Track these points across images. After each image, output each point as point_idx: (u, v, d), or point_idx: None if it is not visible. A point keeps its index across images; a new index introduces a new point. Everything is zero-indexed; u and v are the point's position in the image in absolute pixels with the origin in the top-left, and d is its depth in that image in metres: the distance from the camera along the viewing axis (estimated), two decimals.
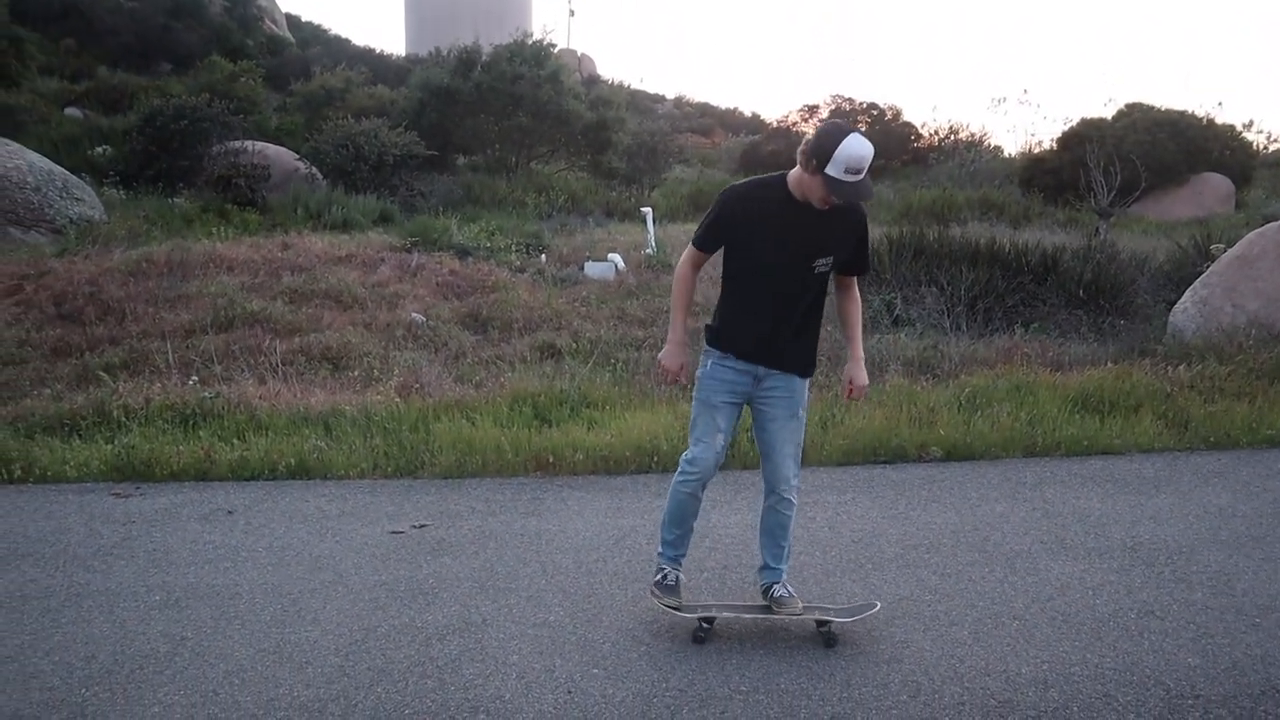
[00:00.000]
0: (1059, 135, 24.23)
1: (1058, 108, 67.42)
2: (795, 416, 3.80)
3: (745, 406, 3.89)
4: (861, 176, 3.42)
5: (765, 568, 3.94)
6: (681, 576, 3.96)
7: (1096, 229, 15.62)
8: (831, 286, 3.90)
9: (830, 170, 3.39)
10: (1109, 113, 24.37)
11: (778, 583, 3.89)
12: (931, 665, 3.57)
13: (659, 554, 3.99)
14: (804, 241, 3.62)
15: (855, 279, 3.94)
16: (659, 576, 3.92)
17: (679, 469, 3.85)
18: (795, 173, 3.61)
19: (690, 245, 3.84)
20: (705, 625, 3.81)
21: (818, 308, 3.81)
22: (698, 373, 3.87)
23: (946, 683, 3.44)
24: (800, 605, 3.84)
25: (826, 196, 3.48)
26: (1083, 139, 20.96)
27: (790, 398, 3.78)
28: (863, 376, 3.93)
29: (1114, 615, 3.99)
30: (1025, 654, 3.65)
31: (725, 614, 3.88)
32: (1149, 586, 4.29)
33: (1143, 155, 19.28)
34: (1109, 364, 8.18)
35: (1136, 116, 22.88)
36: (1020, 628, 3.88)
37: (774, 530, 3.89)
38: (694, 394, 3.86)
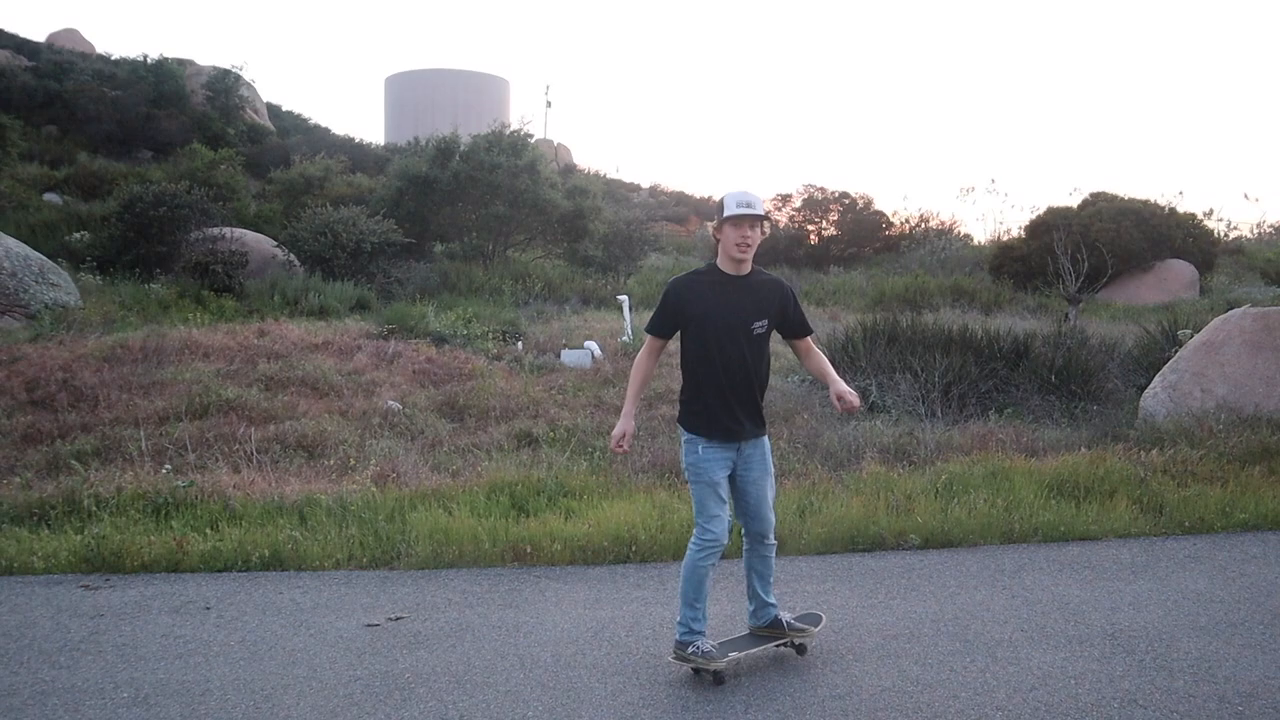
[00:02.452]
0: (1027, 223, 24.75)
1: (1025, 196, 68.85)
2: (768, 473, 4.40)
3: None
4: (752, 208, 4.15)
5: (766, 605, 4.50)
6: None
7: (1066, 315, 15.88)
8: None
9: (727, 213, 4.15)
10: (1074, 201, 24.98)
11: (782, 611, 4.57)
12: None
13: (689, 631, 4.27)
14: (738, 307, 4.25)
15: (809, 340, 4.61)
16: (692, 650, 4.21)
17: (696, 547, 4.26)
18: (719, 252, 4.32)
19: (647, 335, 4.51)
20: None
21: (762, 377, 4.38)
22: (688, 460, 4.33)
23: None
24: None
25: (738, 235, 4.17)
26: (1050, 227, 21.41)
27: (764, 458, 4.40)
28: (846, 387, 4.37)
29: (1097, 705, 3.97)
30: None
31: (752, 651, 4.46)
32: (1131, 675, 4.28)
33: (1108, 243, 19.72)
34: (1083, 449, 8.25)
35: (1101, 205, 23.44)
36: (1004, 718, 3.85)
37: (764, 572, 4.49)
38: (690, 479, 4.33)
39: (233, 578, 5.87)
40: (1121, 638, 4.72)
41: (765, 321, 4.30)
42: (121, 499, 6.94)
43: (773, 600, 4.54)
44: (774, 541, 4.51)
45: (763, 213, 4.20)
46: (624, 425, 4.42)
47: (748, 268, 4.30)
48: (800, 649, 4.53)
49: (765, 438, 4.42)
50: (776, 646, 4.52)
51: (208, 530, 6.44)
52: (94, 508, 6.81)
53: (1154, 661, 4.42)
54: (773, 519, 4.45)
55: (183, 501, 6.96)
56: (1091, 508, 6.88)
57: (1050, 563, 6.01)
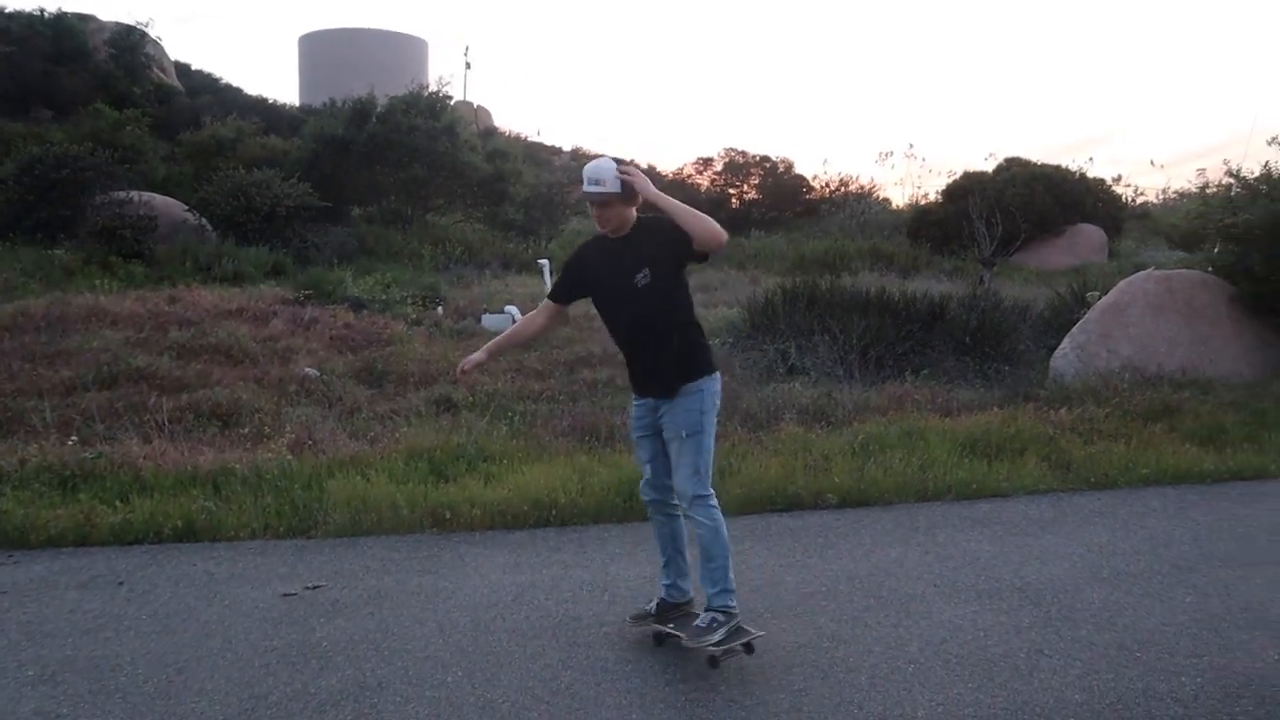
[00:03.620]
0: (944, 188, 25.21)
1: (942, 161, 70.12)
2: (681, 438, 4.05)
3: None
4: (600, 185, 3.97)
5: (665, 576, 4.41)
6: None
7: (980, 278, 16.25)
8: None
9: (584, 189, 4.04)
10: (989, 166, 25.47)
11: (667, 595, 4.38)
12: (830, 712, 3.61)
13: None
14: (619, 267, 4.08)
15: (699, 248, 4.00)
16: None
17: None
18: None
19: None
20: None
21: (666, 329, 4.09)
22: None
23: None
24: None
25: (594, 212, 4.09)
26: (966, 192, 21.84)
27: (674, 421, 4.07)
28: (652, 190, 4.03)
29: (1005, 655, 4.10)
30: (920, 698, 3.72)
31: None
32: (1038, 626, 4.42)
33: (1022, 207, 20.19)
34: (995, 409, 8.47)
35: (1015, 170, 23.95)
36: (916, 671, 3.95)
37: (666, 537, 4.38)
38: None
39: (144, 550, 5.73)
40: (1029, 590, 4.87)
41: (646, 270, 4.00)
42: (25, 472, 6.71)
43: (666, 579, 4.37)
44: (692, 515, 4.09)
45: (611, 190, 3.96)
46: (476, 356, 4.47)
47: (626, 229, 4.09)
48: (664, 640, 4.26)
49: (689, 396, 4.05)
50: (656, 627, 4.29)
51: (117, 502, 6.26)
52: None
53: (1060, 612, 4.57)
54: (684, 489, 4.06)
55: (91, 473, 6.76)
56: (1003, 465, 7.07)
57: (962, 519, 6.17)
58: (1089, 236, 22.83)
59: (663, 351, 4.07)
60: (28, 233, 17.53)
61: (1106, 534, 5.83)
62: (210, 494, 6.42)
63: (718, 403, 4.15)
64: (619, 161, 4.04)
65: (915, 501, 6.59)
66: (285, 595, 4.91)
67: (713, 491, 4.10)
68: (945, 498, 6.64)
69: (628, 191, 3.98)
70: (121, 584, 5.11)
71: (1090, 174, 25.08)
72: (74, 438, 7.63)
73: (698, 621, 4.08)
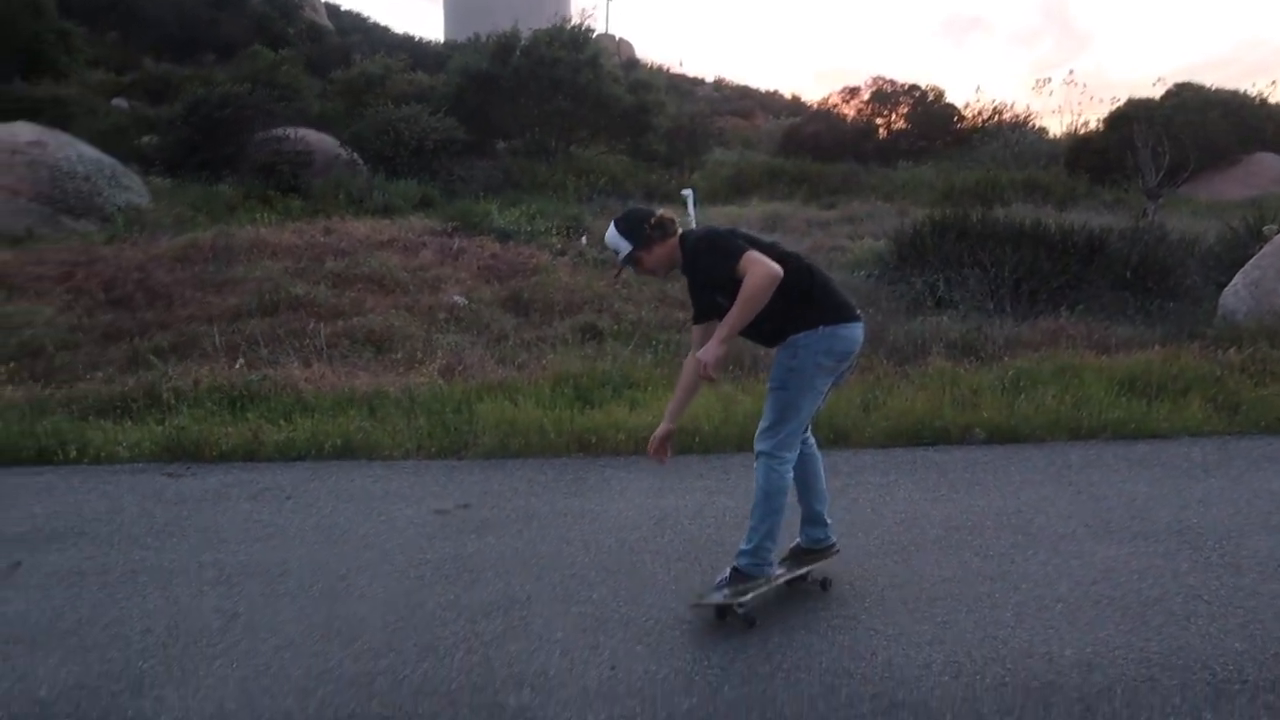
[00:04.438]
0: (1106, 116, 23.91)
1: (1104, 88, 66.07)
2: (769, 390, 3.89)
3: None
4: (619, 252, 3.93)
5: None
6: None
7: (1144, 210, 15.38)
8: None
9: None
10: (1158, 93, 24.00)
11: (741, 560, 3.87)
12: (974, 647, 3.56)
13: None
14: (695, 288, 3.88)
15: (750, 271, 3.60)
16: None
17: None
18: None
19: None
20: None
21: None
22: None
23: (989, 664, 3.43)
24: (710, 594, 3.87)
25: (639, 272, 4.07)
26: (1130, 119, 20.64)
27: (771, 372, 3.91)
28: (706, 354, 3.69)
29: (1160, 599, 3.95)
30: (1069, 637, 3.63)
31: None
32: (1196, 571, 4.23)
33: (1192, 135, 18.98)
34: (1157, 347, 8.07)
35: (1186, 96, 22.53)
36: (1064, 610, 3.86)
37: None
38: None
39: (306, 466, 6.05)
40: (1188, 535, 4.66)
41: (716, 295, 3.75)
42: (199, 392, 7.16)
43: (753, 524, 3.85)
44: (757, 465, 3.86)
45: (627, 250, 3.85)
46: (660, 432, 4.08)
47: (680, 263, 3.89)
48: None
49: (782, 349, 3.84)
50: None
51: (281, 421, 6.63)
52: (173, 401, 7.03)
53: (1221, 559, 4.37)
54: (757, 436, 3.87)
55: (257, 394, 7.16)
56: (1163, 406, 6.75)
57: (1118, 460, 5.93)
58: (1268, 166, 21.34)
59: (760, 325, 3.71)
60: (194, 170, 18.45)
61: (1277, 480, 5.51)
62: (366, 415, 6.72)
63: (822, 360, 3.77)
64: (627, 220, 3.91)
65: (1068, 440, 6.36)
66: (438, 512, 5.12)
67: (783, 454, 3.80)
68: (1100, 437, 6.39)
69: (641, 238, 3.82)
70: (289, 498, 5.41)
71: (1272, 99, 23.35)
72: (241, 361, 8.08)
73: (717, 580, 3.90)
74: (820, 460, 4.17)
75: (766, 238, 3.96)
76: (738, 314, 3.61)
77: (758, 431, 3.88)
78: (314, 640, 3.68)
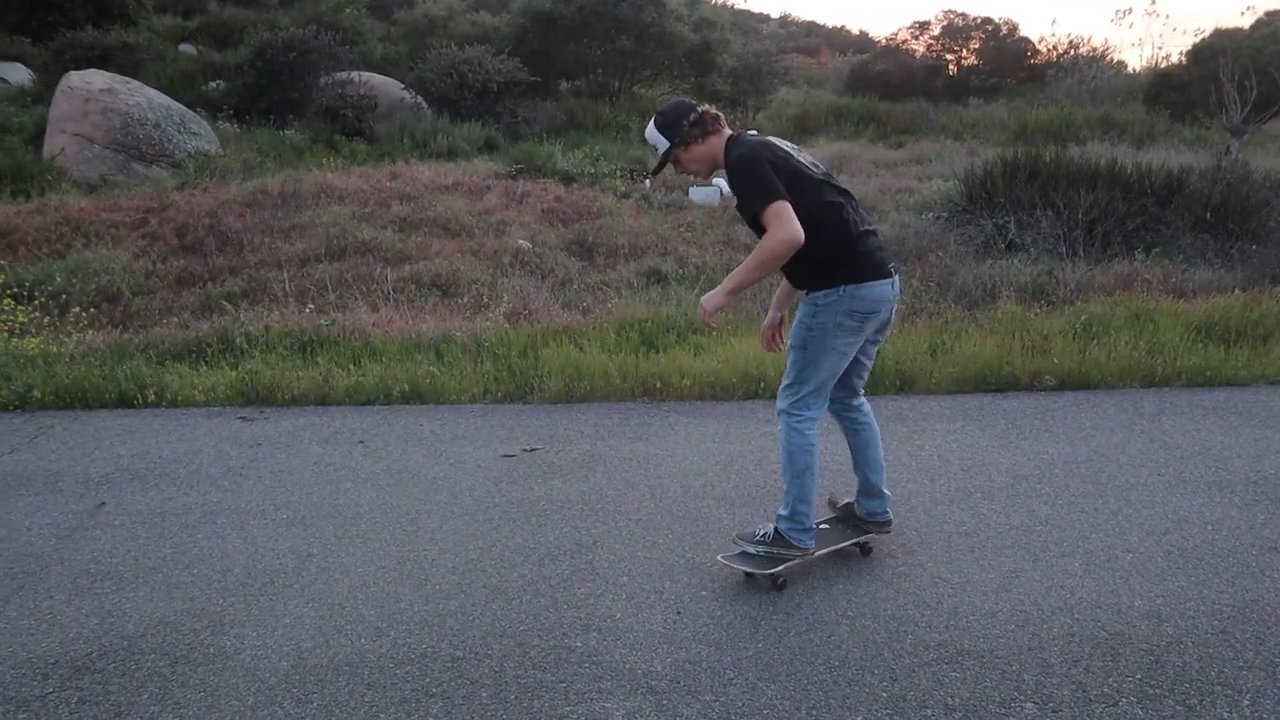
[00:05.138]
0: (1189, 48, 23.08)
1: (1189, 19, 63.32)
2: (790, 347, 3.69)
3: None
4: (657, 147, 3.71)
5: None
6: None
7: (1227, 148, 14.84)
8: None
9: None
10: (1246, 22, 23.05)
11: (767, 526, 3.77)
12: (1041, 596, 3.53)
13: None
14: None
15: (770, 229, 3.37)
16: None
17: None
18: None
19: None
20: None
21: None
22: None
23: (1056, 614, 3.40)
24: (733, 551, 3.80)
25: (679, 170, 3.83)
26: (1215, 52, 19.84)
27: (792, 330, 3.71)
28: (707, 300, 3.63)
29: (1234, 551, 3.88)
30: (1139, 588, 3.58)
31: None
32: (1274, 523, 4.14)
33: None
34: (1237, 291, 7.84)
35: (1278, 25, 21.54)
36: (1134, 561, 3.81)
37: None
38: None
39: (375, 410, 6.16)
40: (1266, 485, 4.56)
41: (739, 208, 3.59)
42: (270, 337, 7.31)
43: (785, 486, 3.71)
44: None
45: (665, 146, 3.65)
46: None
47: (721, 164, 3.65)
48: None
49: (803, 305, 3.65)
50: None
51: (350, 366, 6.75)
52: (245, 345, 7.20)
53: None
54: (778, 394, 3.74)
55: (326, 339, 7.29)
56: (1242, 352, 6.56)
57: (1193, 408, 5.80)
58: None
59: (791, 263, 3.45)
60: (262, 115, 18.66)
61: None
62: (433, 359, 6.81)
63: (843, 320, 3.53)
64: (667, 114, 3.68)
65: (1141, 387, 6.24)
66: (505, 456, 5.19)
67: (802, 413, 3.62)
68: (1175, 384, 6.25)
69: (678, 132, 3.62)
70: (361, 442, 5.52)
71: None
72: (310, 306, 8.23)
73: (757, 529, 3.78)
74: (875, 430, 3.94)
75: (819, 168, 3.64)
76: (746, 272, 3.46)
77: (780, 388, 3.73)
78: (386, 581, 3.78)
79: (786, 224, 3.31)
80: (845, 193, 3.65)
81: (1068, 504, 4.39)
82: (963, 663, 3.12)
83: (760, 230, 3.41)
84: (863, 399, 3.92)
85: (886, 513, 3.96)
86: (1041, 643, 3.22)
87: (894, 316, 3.77)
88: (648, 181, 13.99)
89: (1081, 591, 3.56)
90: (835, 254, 3.52)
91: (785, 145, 3.63)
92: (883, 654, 3.18)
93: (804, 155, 3.68)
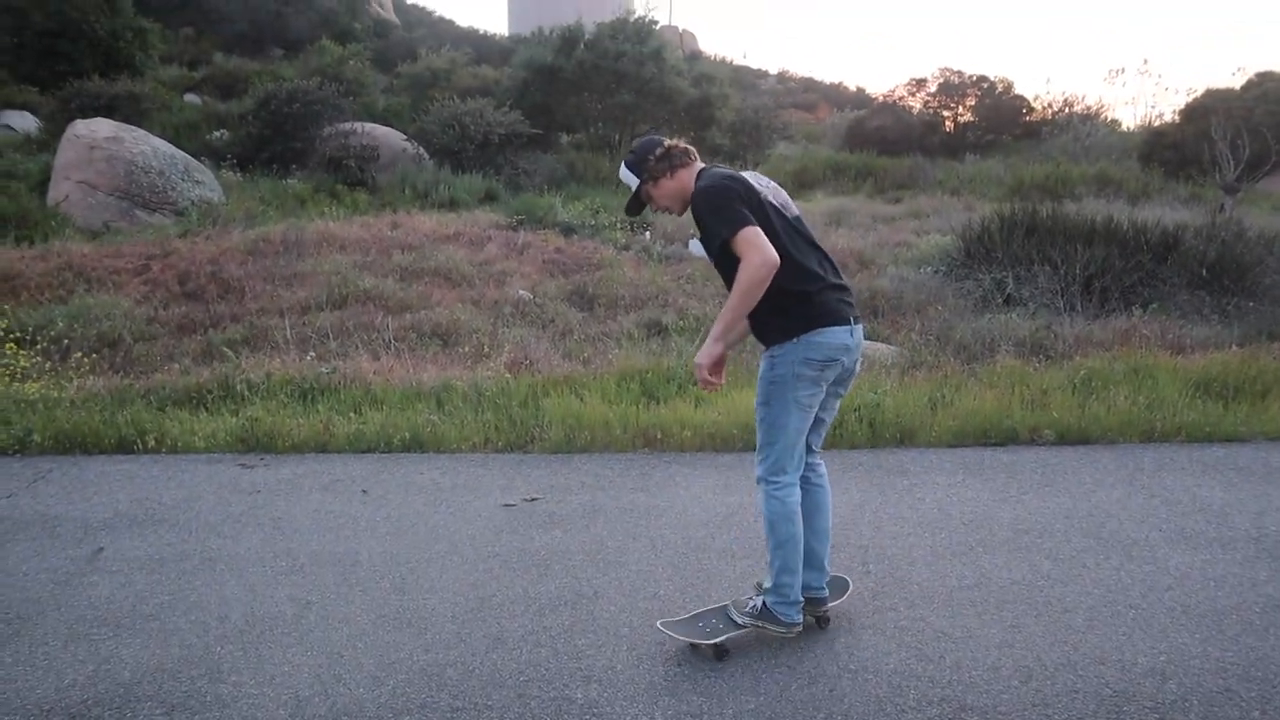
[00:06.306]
0: (1182, 107, 23.41)
1: (1181, 78, 64.26)
2: (756, 406, 3.56)
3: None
4: (630, 184, 3.69)
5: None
6: None
7: (1221, 205, 14.99)
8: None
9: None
10: (1237, 83, 23.39)
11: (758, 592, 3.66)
12: (1044, 651, 3.52)
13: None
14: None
15: (745, 257, 3.22)
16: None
17: None
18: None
19: None
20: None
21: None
22: None
23: (1060, 670, 3.39)
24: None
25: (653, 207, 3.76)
26: (1208, 111, 20.14)
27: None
28: (700, 355, 3.49)
29: (1237, 608, 3.87)
30: (1142, 644, 3.57)
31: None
32: (1275, 580, 4.13)
33: (1274, 127, 18.40)
34: (1234, 347, 7.88)
35: (1268, 86, 21.90)
36: (1137, 617, 3.79)
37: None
38: None
39: (376, 458, 6.15)
40: (1267, 542, 4.55)
41: (702, 244, 3.46)
42: (271, 384, 7.32)
43: (769, 558, 3.55)
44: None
45: (634, 182, 3.63)
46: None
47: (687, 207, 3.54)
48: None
49: (763, 360, 3.51)
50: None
51: (351, 414, 6.75)
52: (246, 392, 7.21)
53: None
54: (758, 448, 3.56)
55: (327, 387, 7.30)
56: (1241, 408, 6.59)
57: (1193, 463, 5.81)
58: None
59: (754, 314, 3.37)
60: (265, 164, 18.83)
61: None
62: (434, 408, 6.82)
63: (801, 370, 3.38)
64: (635, 152, 3.65)
65: (1140, 442, 6.24)
66: (505, 505, 5.18)
67: (778, 479, 3.48)
68: (1174, 439, 6.26)
69: (645, 169, 3.57)
70: (364, 491, 5.50)
71: None
72: (311, 353, 8.24)
73: (752, 600, 3.61)
74: (828, 495, 3.73)
75: (791, 212, 3.51)
76: (730, 310, 3.27)
77: (755, 457, 3.58)
78: (385, 630, 3.76)
79: (761, 248, 3.17)
80: (815, 245, 3.51)
81: (1069, 559, 4.38)
82: (966, 719, 3.09)
83: (728, 265, 3.29)
84: (819, 459, 3.74)
85: (824, 589, 3.71)
86: (1045, 699, 3.20)
87: (858, 368, 3.63)
88: (648, 234, 14.09)
89: (1085, 647, 3.54)
90: (792, 302, 3.36)
91: (760, 182, 3.50)
92: (885, 709, 3.16)
93: (780, 196, 3.54)
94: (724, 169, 3.59)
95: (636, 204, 3.76)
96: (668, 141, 3.61)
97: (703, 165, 3.63)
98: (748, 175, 3.49)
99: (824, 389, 3.48)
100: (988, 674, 3.36)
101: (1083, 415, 6.39)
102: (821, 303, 3.40)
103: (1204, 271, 9.95)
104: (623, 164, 3.69)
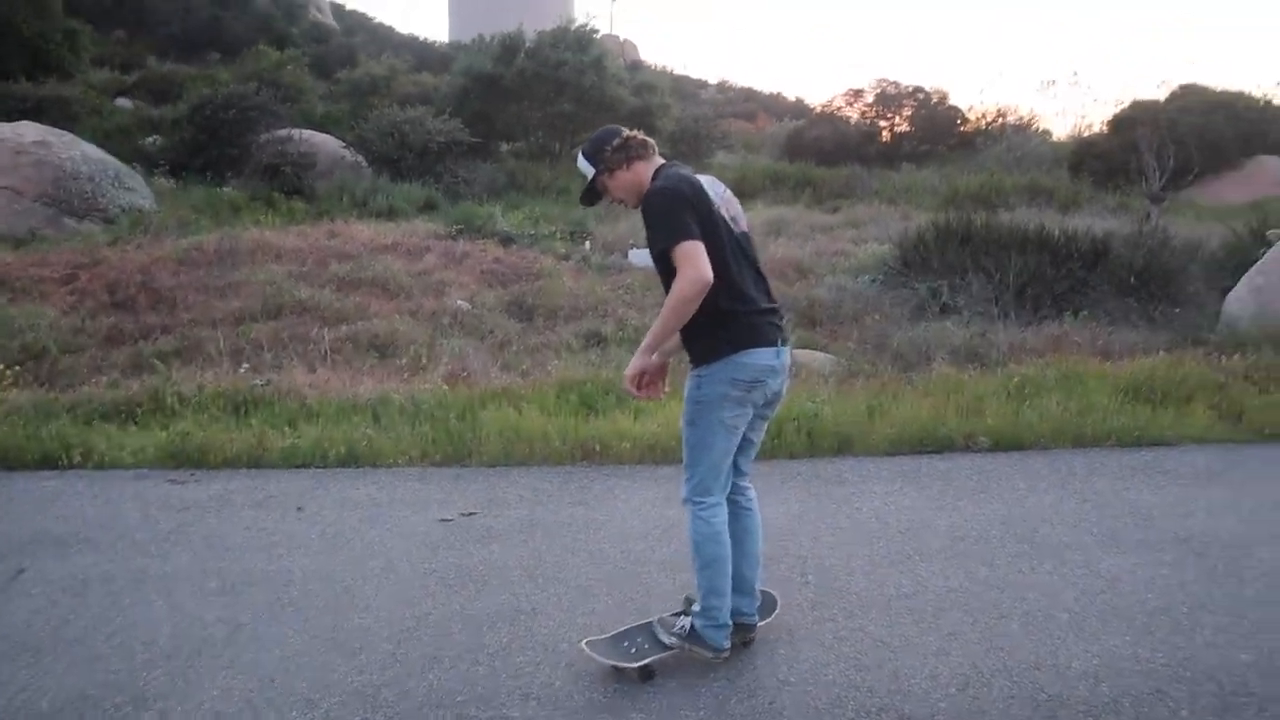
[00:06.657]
0: (1110, 118, 23.98)
1: (1109, 90, 65.65)
2: (682, 426, 3.52)
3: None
4: (586, 175, 3.60)
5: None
6: None
7: (1148, 214, 15.36)
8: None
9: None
10: (1161, 95, 24.05)
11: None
12: (980, 658, 3.55)
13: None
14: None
15: (680, 270, 3.17)
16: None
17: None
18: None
19: None
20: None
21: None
22: None
23: (996, 676, 3.43)
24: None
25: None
26: (1134, 122, 20.66)
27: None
28: (629, 367, 3.51)
29: (1166, 609, 3.95)
30: (1076, 648, 3.62)
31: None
32: (1201, 581, 4.23)
33: (1196, 138, 18.97)
34: (1160, 353, 8.07)
35: (1190, 98, 22.56)
36: (1071, 620, 3.85)
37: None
38: None
39: (311, 474, 6.04)
40: (1194, 544, 4.66)
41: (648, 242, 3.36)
42: (203, 397, 7.15)
43: (698, 581, 3.50)
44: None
45: (590, 173, 3.55)
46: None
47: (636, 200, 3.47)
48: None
49: (690, 379, 3.46)
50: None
51: (286, 428, 6.62)
52: (177, 406, 7.03)
53: (1227, 569, 4.36)
54: (687, 475, 3.50)
55: (261, 400, 7.16)
56: (1168, 413, 6.74)
57: (1123, 467, 5.93)
58: (1270, 170, 21.32)
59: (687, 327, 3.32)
60: (199, 171, 18.47)
61: None
62: (370, 422, 6.71)
63: (727, 390, 3.35)
64: (593, 141, 3.56)
65: (1072, 447, 6.36)
66: (442, 520, 5.11)
67: (705, 499, 3.44)
68: (1105, 444, 6.39)
69: (601, 159, 3.49)
70: (299, 509, 5.39)
71: (1277, 101, 23.36)
72: (245, 365, 8.08)
73: (680, 619, 3.57)
74: (758, 520, 3.68)
75: (739, 227, 3.44)
76: (660, 323, 3.27)
77: (682, 479, 3.53)
78: (319, 651, 3.68)
79: (697, 264, 3.12)
80: (755, 264, 3.47)
81: (1005, 565, 4.44)
82: None
83: (667, 271, 3.25)
84: (749, 484, 3.68)
85: (753, 615, 3.65)
86: (982, 705, 3.23)
87: (785, 391, 3.57)
88: (587, 244, 14.06)
89: (1020, 653, 3.59)
90: (722, 321, 3.31)
91: (716, 190, 3.44)
92: None
93: (733, 208, 3.48)
94: (683, 169, 3.49)
95: (592, 194, 3.66)
96: (626, 132, 3.53)
97: (663, 161, 3.56)
98: (705, 181, 3.42)
99: (750, 410, 3.44)
100: (926, 682, 3.39)
101: (1016, 422, 6.49)
102: (750, 324, 3.36)
103: (1132, 279, 10.18)
104: (579, 152, 3.62)
